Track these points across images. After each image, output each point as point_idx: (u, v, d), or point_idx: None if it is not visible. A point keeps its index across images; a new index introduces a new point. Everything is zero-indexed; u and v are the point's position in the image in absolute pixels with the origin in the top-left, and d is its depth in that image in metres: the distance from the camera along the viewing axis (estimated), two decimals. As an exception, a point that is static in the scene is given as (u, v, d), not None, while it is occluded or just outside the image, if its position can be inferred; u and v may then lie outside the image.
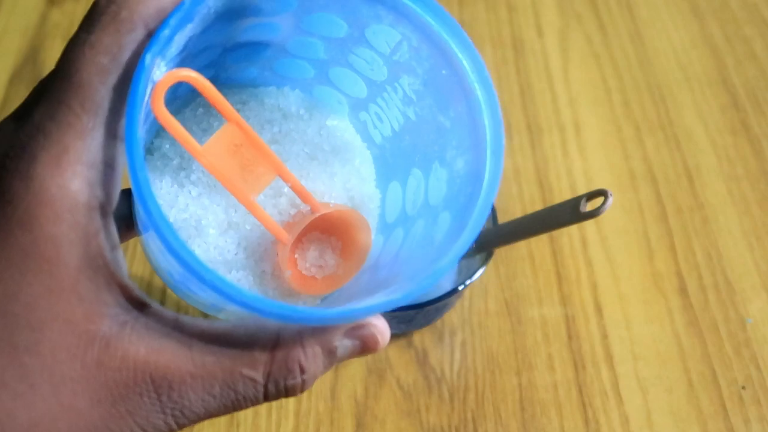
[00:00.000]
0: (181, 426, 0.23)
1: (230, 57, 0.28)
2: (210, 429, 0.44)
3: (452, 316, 0.49)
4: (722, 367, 0.47)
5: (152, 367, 0.22)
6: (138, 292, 0.22)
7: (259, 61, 0.29)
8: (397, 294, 0.22)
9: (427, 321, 0.47)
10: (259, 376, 0.23)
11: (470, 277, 0.43)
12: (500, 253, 0.51)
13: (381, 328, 0.25)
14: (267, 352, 0.23)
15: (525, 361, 0.47)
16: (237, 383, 0.23)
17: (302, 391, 0.24)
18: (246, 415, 0.44)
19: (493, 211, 0.46)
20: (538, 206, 0.54)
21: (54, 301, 0.21)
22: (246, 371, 0.23)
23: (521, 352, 0.47)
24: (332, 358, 0.24)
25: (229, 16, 0.24)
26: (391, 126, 0.29)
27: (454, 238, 0.23)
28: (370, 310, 0.22)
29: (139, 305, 0.22)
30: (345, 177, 0.30)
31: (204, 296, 0.23)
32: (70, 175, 0.21)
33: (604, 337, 0.48)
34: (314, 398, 0.45)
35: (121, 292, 0.22)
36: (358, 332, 0.24)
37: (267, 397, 0.24)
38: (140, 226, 0.26)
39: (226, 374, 0.23)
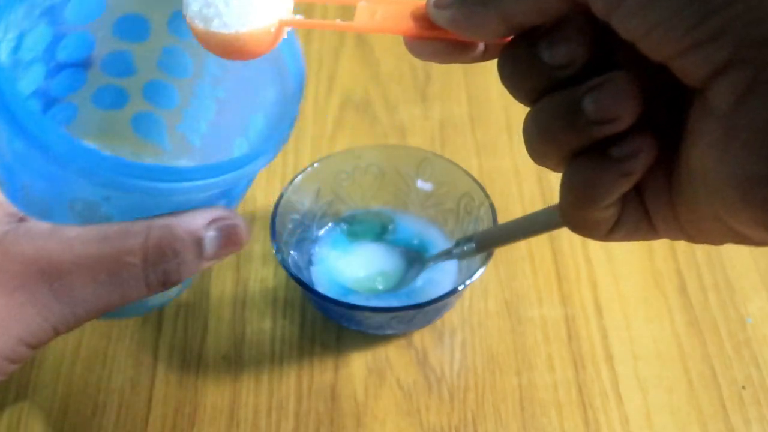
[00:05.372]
0: (82, 316, 0.26)
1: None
2: (210, 429, 0.44)
3: (452, 316, 0.49)
4: (722, 367, 0.47)
5: (40, 260, 0.25)
6: (15, 208, 0.26)
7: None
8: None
9: (427, 321, 0.47)
10: (137, 261, 0.26)
11: (470, 277, 0.43)
12: (500, 253, 0.51)
13: (240, 221, 0.28)
14: (141, 239, 0.26)
15: (525, 361, 0.47)
16: (121, 270, 0.26)
17: (180, 279, 0.27)
18: (246, 415, 0.44)
19: (493, 211, 0.46)
20: (538, 206, 0.54)
21: None
22: (125, 258, 0.26)
23: (521, 352, 0.47)
24: (200, 248, 0.27)
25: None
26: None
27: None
28: (233, 165, 0.26)
29: (18, 218, 0.26)
30: None
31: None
32: None
33: (604, 337, 0.48)
34: (314, 398, 0.45)
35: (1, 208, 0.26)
36: (220, 224, 0.28)
37: (149, 286, 0.27)
38: None
39: (109, 262, 0.26)
